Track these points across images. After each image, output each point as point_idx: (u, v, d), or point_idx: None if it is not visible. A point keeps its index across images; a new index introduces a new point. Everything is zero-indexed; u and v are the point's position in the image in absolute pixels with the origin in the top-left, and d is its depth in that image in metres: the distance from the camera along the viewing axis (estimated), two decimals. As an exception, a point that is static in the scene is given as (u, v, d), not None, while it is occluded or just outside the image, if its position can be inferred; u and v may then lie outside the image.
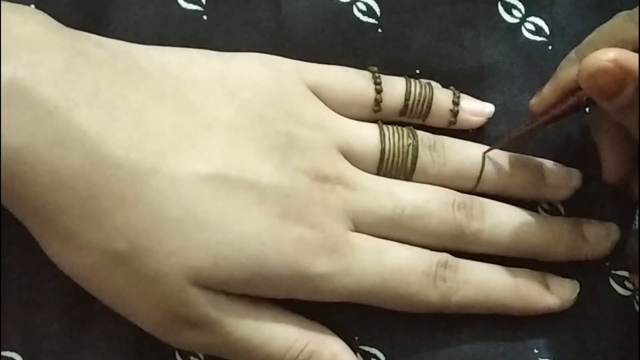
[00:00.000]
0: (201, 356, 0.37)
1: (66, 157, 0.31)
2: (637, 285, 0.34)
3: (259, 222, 0.33)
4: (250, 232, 0.33)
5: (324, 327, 0.37)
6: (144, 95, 0.33)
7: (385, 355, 0.38)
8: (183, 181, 0.32)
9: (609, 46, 0.33)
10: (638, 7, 0.33)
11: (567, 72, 0.36)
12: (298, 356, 0.35)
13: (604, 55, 0.32)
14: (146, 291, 0.32)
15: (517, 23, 0.41)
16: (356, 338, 0.38)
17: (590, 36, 0.36)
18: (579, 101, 0.34)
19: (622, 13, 0.35)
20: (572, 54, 0.36)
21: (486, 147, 0.39)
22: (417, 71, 0.40)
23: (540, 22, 0.41)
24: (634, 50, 0.32)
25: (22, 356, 0.36)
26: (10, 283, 0.36)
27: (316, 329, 0.36)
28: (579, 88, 0.34)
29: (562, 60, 0.37)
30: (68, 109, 0.31)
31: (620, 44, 0.33)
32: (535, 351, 0.39)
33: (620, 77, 0.32)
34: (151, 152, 0.32)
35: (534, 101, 0.38)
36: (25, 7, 0.33)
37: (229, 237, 0.33)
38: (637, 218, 0.33)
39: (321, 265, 0.34)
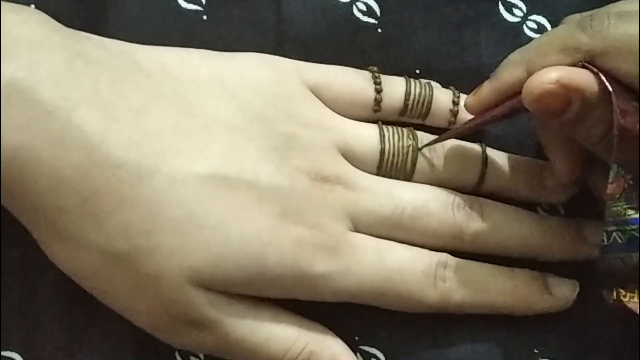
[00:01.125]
0: (201, 356, 0.37)
1: (66, 157, 0.31)
2: (611, 301, 0.33)
3: (259, 222, 0.33)
4: (250, 232, 0.33)
5: (324, 327, 0.37)
6: (144, 95, 0.33)
7: (385, 355, 0.38)
8: (183, 181, 0.32)
9: (557, 53, 0.33)
10: (589, 15, 0.33)
11: (510, 73, 0.35)
12: (298, 356, 0.35)
13: (547, 77, 0.32)
14: (146, 291, 0.32)
15: (519, 22, 0.41)
16: (356, 338, 0.38)
17: (538, 40, 0.35)
18: (520, 105, 0.34)
19: (573, 19, 0.34)
20: (516, 54, 0.35)
21: (486, 147, 0.39)
22: (417, 71, 0.40)
23: (543, 20, 0.41)
24: (582, 58, 0.32)
25: (22, 356, 0.36)
26: (11, 283, 0.36)
27: (316, 329, 0.36)
28: (519, 92, 0.33)
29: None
30: (68, 109, 0.31)
31: (568, 51, 0.33)
32: (535, 351, 0.39)
33: (564, 96, 0.32)
34: (151, 152, 0.32)
35: (471, 100, 0.37)
36: (25, 7, 0.33)
37: (229, 237, 0.33)
38: (604, 234, 0.33)
39: (321, 265, 0.34)
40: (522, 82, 0.33)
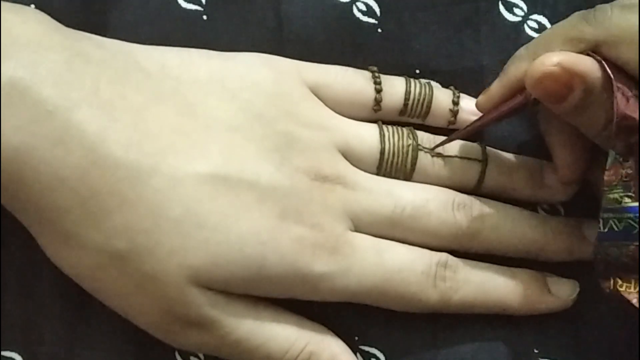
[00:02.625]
0: (201, 356, 0.37)
1: (66, 156, 0.31)
2: (607, 290, 0.33)
3: (259, 221, 0.33)
4: (249, 232, 0.33)
5: (324, 327, 0.36)
6: (144, 95, 0.33)
7: (385, 355, 0.38)
8: (183, 181, 0.32)
9: (561, 44, 0.33)
10: (592, 8, 0.34)
11: (516, 68, 0.35)
12: (297, 357, 0.35)
13: (549, 60, 0.32)
14: (145, 291, 0.32)
15: (520, 21, 0.41)
16: (356, 338, 0.38)
17: (543, 33, 0.36)
18: (527, 99, 0.34)
19: (577, 13, 0.35)
20: (522, 50, 0.36)
21: (486, 147, 0.39)
22: (417, 71, 0.40)
23: (544, 20, 0.41)
24: (585, 50, 0.33)
25: (22, 356, 0.36)
26: (11, 283, 0.36)
27: (316, 330, 0.36)
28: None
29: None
30: (68, 108, 0.31)
31: (572, 42, 0.33)
32: (535, 351, 0.39)
33: (566, 80, 0.32)
34: (151, 151, 0.32)
35: (481, 99, 0.37)
36: (25, 7, 0.33)
37: (229, 237, 0.33)
38: (601, 221, 0.33)
39: (321, 265, 0.34)
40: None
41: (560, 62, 0.32)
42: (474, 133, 0.38)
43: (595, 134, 0.34)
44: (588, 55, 0.33)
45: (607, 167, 0.32)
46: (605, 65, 0.32)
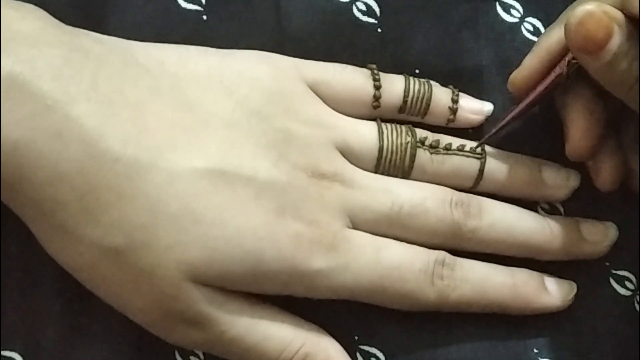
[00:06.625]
0: (201, 355, 0.37)
1: (64, 151, 0.31)
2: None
3: (256, 217, 0.33)
4: (247, 228, 0.33)
5: (321, 328, 0.36)
6: (142, 90, 0.33)
7: (385, 355, 0.38)
8: (180, 176, 0.32)
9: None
10: None
11: (549, 37, 0.36)
12: (292, 357, 0.35)
13: (589, 5, 0.32)
14: (142, 286, 0.32)
15: (517, 22, 0.41)
16: (356, 338, 0.38)
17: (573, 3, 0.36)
18: (562, 71, 0.34)
19: None
20: (553, 24, 0.36)
21: (485, 145, 0.39)
22: (417, 71, 0.40)
23: (538, 23, 0.41)
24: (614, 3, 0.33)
25: (22, 356, 0.36)
26: (10, 282, 0.36)
27: (312, 331, 0.36)
28: (562, 56, 0.34)
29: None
30: (66, 103, 0.31)
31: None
32: (535, 351, 0.38)
33: (607, 23, 0.32)
34: (149, 147, 0.32)
35: (514, 76, 0.38)
36: (24, 4, 0.33)
37: (226, 232, 0.33)
38: None
39: (318, 261, 0.34)
40: (562, 43, 0.34)
41: (600, 6, 0.32)
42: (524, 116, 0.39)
43: (625, 92, 0.34)
44: None
45: None
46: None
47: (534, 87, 0.37)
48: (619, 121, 0.38)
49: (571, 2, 0.37)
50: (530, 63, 0.37)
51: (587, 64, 0.33)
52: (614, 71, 0.33)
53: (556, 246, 0.38)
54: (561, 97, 0.38)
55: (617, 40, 0.32)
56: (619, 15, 0.32)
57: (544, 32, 0.37)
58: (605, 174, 0.38)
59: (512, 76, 0.38)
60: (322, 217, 0.34)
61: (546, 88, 0.36)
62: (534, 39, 0.41)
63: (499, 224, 0.38)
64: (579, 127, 0.37)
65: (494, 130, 0.38)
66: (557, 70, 0.35)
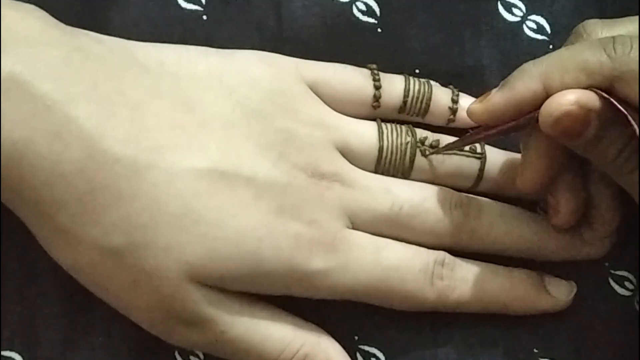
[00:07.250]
0: (201, 356, 0.37)
1: (64, 151, 0.31)
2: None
3: (256, 217, 0.33)
4: (246, 228, 0.33)
5: (320, 329, 0.36)
6: (142, 90, 0.33)
7: (385, 355, 0.38)
8: (180, 176, 0.32)
9: (577, 72, 0.32)
10: (611, 37, 0.32)
11: (525, 86, 0.33)
12: (292, 358, 0.35)
13: (565, 100, 0.31)
14: (142, 286, 0.33)
15: (519, 22, 0.41)
16: (356, 338, 0.38)
17: (558, 54, 0.33)
18: (531, 120, 0.33)
19: (596, 40, 0.33)
20: (531, 66, 0.33)
21: (485, 146, 0.39)
22: (417, 71, 0.40)
23: (542, 21, 0.41)
24: (601, 81, 0.32)
25: (22, 356, 0.36)
26: (11, 282, 0.37)
27: (312, 331, 0.36)
28: (536, 108, 0.32)
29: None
30: (66, 103, 0.31)
31: (588, 74, 0.32)
32: (535, 351, 0.38)
33: (583, 118, 0.31)
34: (148, 147, 0.32)
35: (477, 107, 0.35)
36: (24, 4, 0.33)
37: (226, 233, 0.33)
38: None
39: (318, 261, 0.34)
40: (538, 96, 0.33)
41: (577, 100, 0.31)
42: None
43: (607, 164, 0.34)
44: (594, 91, 0.32)
45: None
46: (614, 102, 0.31)
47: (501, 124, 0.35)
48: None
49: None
50: (500, 104, 0.34)
51: (565, 144, 0.33)
52: (590, 150, 0.33)
53: (555, 247, 0.38)
54: (525, 136, 0.36)
55: (593, 128, 0.32)
56: (595, 103, 0.31)
57: (518, 75, 0.34)
58: (563, 209, 0.37)
59: (472, 106, 0.35)
60: (321, 217, 0.34)
61: (510, 128, 0.35)
62: (537, 37, 0.40)
63: (498, 224, 0.38)
64: (534, 168, 0.36)
65: (449, 145, 0.37)
66: (526, 119, 0.34)
